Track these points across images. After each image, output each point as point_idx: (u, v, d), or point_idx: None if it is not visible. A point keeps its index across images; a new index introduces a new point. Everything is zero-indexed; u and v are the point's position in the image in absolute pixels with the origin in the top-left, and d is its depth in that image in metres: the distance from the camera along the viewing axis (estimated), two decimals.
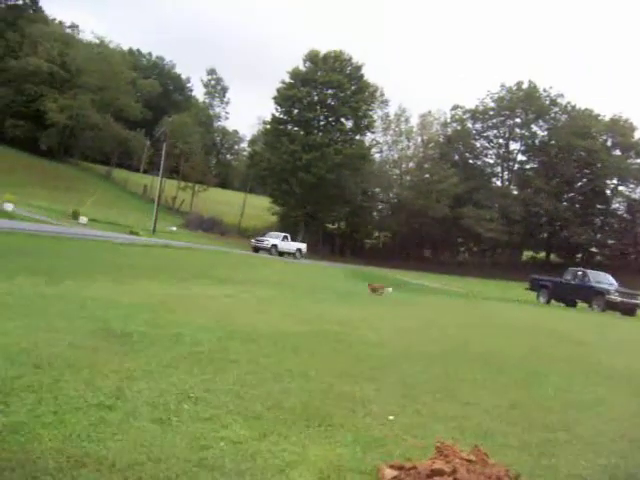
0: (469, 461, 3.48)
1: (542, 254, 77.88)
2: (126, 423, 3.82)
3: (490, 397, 6.05)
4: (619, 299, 26.15)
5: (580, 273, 29.27)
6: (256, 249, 47.75)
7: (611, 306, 26.08)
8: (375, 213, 77.83)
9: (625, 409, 6.32)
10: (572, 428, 5.27)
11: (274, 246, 48.56)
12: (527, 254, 78.44)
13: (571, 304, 28.72)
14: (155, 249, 29.05)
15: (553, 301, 29.78)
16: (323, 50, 69.36)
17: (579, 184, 75.06)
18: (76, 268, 15.83)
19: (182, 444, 3.60)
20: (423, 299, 22.72)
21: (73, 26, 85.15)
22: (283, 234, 52.07)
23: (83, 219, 40.54)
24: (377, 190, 76.58)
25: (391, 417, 4.75)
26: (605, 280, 28.64)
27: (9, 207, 34.13)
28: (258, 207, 75.23)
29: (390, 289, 23.22)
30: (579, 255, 75.37)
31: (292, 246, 51.27)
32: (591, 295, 27.27)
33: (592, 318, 22.28)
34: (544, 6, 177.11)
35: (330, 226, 77.11)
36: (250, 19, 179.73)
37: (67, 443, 3.37)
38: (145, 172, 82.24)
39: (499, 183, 78.83)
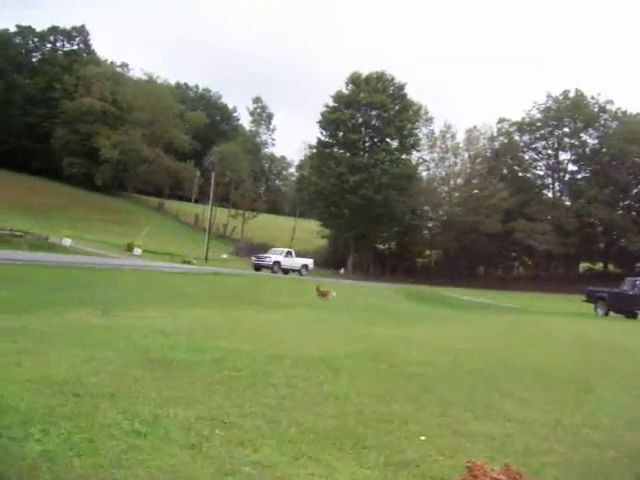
0: None
1: (600, 265, 75.65)
2: (158, 450, 3.87)
3: (534, 414, 5.88)
4: None
5: (638, 282, 28.42)
6: (257, 267, 44.37)
7: None
8: (425, 231, 77.12)
9: None
10: (621, 446, 5.06)
11: (276, 263, 44.85)
12: (584, 265, 76.31)
13: (631, 315, 27.82)
14: (206, 277, 29.45)
15: (612, 313, 28.85)
16: (365, 72, 69.95)
17: (635, 191, 72.90)
18: (128, 299, 16.20)
19: (210, 469, 3.62)
20: (474, 316, 22.34)
21: (123, 65, 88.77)
22: (287, 249, 48.97)
23: (137, 250, 41.54)
24: (426, 208, 75.97)
25: (423, 437, 4.68)
26: None
27: (67, 242, 35.31)
28: (308, 231, 75.72)
29: (334, 293, 25.65)
30: (639, 264, 72.86)
31: (297, 262, 47.34)
32: None
33: None
34: (586, 14, 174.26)
35: (380, 246, 76.85)
36: (291, 45, 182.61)
37: (98, 470, 3.44)
38: (196, 202, 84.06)
39: (550, 195, 77.33)
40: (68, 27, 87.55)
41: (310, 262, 49.08)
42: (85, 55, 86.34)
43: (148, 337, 8.80)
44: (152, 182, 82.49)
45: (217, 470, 3.63)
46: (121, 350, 7.39)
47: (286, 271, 44.92)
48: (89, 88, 74.38)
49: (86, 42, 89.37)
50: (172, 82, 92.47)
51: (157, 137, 78.41)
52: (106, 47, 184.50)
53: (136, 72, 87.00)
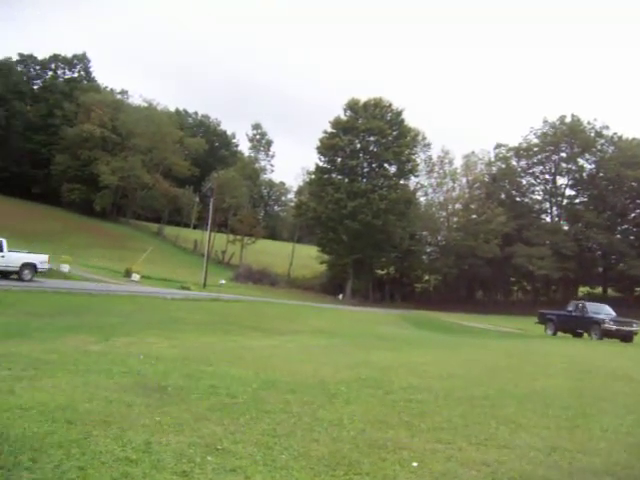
0: None
1: (599, 289, 75.47)
2: (148, 477, 3.85)
3: (530, 440, 5.85)
4: (614, 327, 27.95)
5: (580, 305, 31.22)
6: None
7: (607, 334, 27.77)
8: (424, 256, 76.91)
9: None
10: (618, 472, 5.03)
11: None
12: (583, 290, 76.11)
13: (577, 334, 30.05)
14: (204, 303, 29.40)
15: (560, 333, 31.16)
16: (363, 98, 70.40)
17: (632, 215, 73.00)
18: (125, 325, 16.20)
19: None
20: (473, 341, 22.25)
21: (123, 92, 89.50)
22: None
23: (135, 276, 41.43)
24: (425, 233, 75.95)
25: (415, 464, 4.66)
26: (603, 311, 30.52)
27: (65, 268, 35.29)
28: (307, 256, 75.57)
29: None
30: (638, 289, 72.76)
31: (12, 261, 27.94)
32: (589, 325, 29.04)
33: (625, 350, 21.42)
34: (581, 41, 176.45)
35: (379, 272, 76.68)
36: (291, 72, 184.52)
37: None
38: (195, 227, 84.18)
39: (548, 219, 77.36)
40: (69, 55, 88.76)
41: (41, 259, 29.41)
42: (85, 82, 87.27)
43: (144, 363, 8.79)
44: (151, 208, 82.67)
45: None
46: (116, 376, 7.38)
47: (4, 274, 27.66)
48: (89, 115, 74.95)
49: (86, 69, 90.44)
50: (171, 108, 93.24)
51: (156, 163, 78.84)
52: (106, 74, 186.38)
53: (135, 99, 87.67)
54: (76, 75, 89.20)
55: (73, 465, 3.90)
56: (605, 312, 30.31)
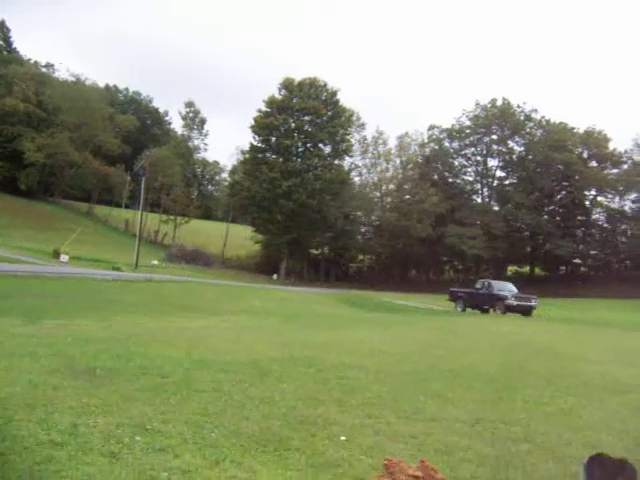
0: (415, 477, 3.48)
1: (526, 268, 78.30)
2: (75, 459, 3.78)
3: (456, 413, 6.06)
4: (516, 303, 30.22)
5: (486, 283, 33.63)
6: None
7: (510, 309, 29.90)
8: (358, 236, 77.77)
9: (593, 418, 6.35)
10: (535, 439, 5.29)
11: None
12: (511, 269, 78.80)
13: (484, 310, 31.95)
14: (136, 284, 28.87)
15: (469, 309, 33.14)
16: (298, 77, 70.12)
17: (558, 197, 75.88)
18: (54, 307, 15.71)
19: (129, 477, 3.57)
20: (406, 319, 22.74)
21: (48, 65, 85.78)
22: None
23: (64, 257, 40.08)
24: (359, 213, 76.64)
25: (343, 438, 4.75)
26: (506, 288, 33.05)
27: None
28: (241, 236, 75.22)
29: None
30: (563, 267, 75.80)
31: None
32: (494, 301, 31.26)
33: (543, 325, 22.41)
34: (513, 22, 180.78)
35: (314, 252, 77.07)
36: (224, 48, 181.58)
37: None
38: (127, 207, 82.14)
39: (479, 200, 79.38)
40: None
41: None
42: (6, 53, 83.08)
43: (73, 345, 8.57)
44: (81, 187, 79.97)
45: (136, 477, 3.58)
46: (42, 359, 7.16)
47: None
48: (11, 88, 71.60)
49: (6, 39, 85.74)
50: (101, 84, 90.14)
51: (85, 140, 76.13)
52: (31, 47, 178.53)
53: (62, 73, 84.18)
54: None
55: None
56: (508, 289, 32.61)
